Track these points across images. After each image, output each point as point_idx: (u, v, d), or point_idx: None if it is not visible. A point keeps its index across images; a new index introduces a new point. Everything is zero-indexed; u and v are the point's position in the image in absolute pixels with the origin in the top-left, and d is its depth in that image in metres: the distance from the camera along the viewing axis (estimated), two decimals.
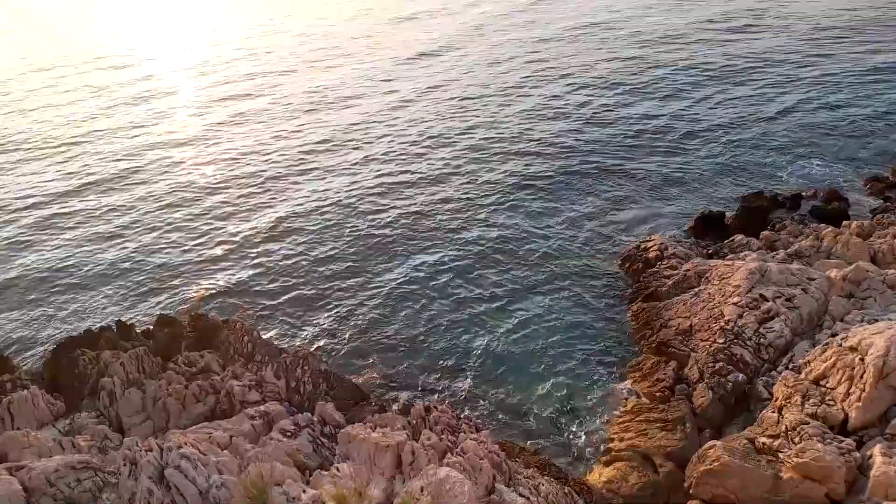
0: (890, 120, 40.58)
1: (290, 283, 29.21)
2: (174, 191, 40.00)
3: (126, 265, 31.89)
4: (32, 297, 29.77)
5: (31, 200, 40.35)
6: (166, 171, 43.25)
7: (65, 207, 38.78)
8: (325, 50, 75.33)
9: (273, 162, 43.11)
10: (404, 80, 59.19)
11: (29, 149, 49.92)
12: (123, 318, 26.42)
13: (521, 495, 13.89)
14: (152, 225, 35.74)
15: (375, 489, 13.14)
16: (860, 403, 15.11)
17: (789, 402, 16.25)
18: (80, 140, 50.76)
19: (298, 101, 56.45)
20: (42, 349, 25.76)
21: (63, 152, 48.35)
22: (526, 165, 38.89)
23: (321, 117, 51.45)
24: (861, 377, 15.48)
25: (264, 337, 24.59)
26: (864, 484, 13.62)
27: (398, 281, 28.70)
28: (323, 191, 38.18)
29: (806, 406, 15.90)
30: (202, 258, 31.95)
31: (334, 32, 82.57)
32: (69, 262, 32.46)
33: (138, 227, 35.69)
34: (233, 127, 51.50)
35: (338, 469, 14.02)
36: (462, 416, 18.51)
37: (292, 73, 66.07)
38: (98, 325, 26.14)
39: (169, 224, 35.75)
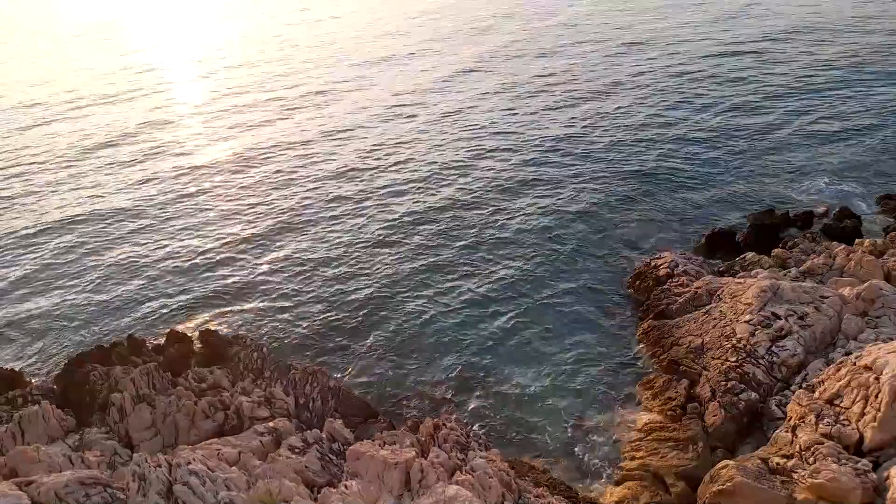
0: None
1: (300, 300, 29.30)
2: (185, 205, 40.30)
3: (137, 280, 32.11)
4: (43, 311, 29.99)
5: (39, 211, 40.73)
6: (177, 182, 43.57)
7: (75, 221, 39.10)
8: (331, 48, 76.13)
9: (283, 180, 43.37)
10: (407, 84, 59.53)
11: (37, 158, 50.47)
12: (134, 334, 26.56)
13: None
14: (163, 240, 36.01)
15: None
16: (875, 423, 14.89)
17: (803, 422, 16.04)
18: (90, 149, 51.27)
19: (312, 105, 56.91)
20: (54, 364, 25.89)
21: (73, 162, 48.85)
22: (533, 180, 38.96)
23: (327, 127, 51.81)
24: (876, 396, 15.28)
25: (274, 353, 24.62)
26: None
27: (406, 296, 28.71)
28: (331, 202, 38.40)
29: (820, 426, 15.68)
30: (213, 274, 32.12)
31: (360, 33, 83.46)
32: (80, 277, 32.72)
33: (149, 241, 35.96)
34: (241, 133, 51.96)
35: (346, 486, 13.97)
36: (471, 433, 18.39)
37: (308, 72, 66.24)
38: (109, 340, 26.28)
39: (180, 239, 36.02)
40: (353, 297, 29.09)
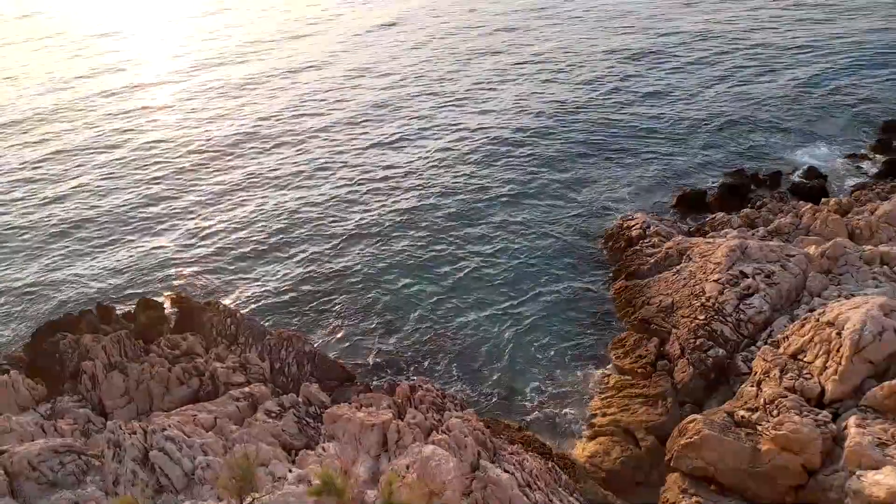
0: (870, 97, 40.97)
1: (274, 266, 29.05)
2: (155, 172, 39.36)
3: (106, 247, 31.47)
4: (11, 281, 29.29)
5: (9, 183, 39.51)
6: (149, 151, 42.52)
7: (44, 191, 38.02)
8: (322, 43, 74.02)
9: (257, 144, 42.49)
10: (393, 69, 58.22)
11: (12, 132, 48.68)
12: (104, 301, 26.14)
13: (505, 471, 14.06)
14: (132, 207, 35.22)
15: (361, 468, 13.24)
16: (836, 376, 15.43)
17: (768, 377, 16.55)
18: (65, 124, 49.55)
19: (295, 85, 55.35)
20: (23, 334, 25.40)
21: (46, 136, 47.22)
22: (505, 148, 38.75)
23: (318, 104, 50.35)
24: (837, 351, 15.80)
25: (248, 318, 24.45)
26: (838, 454, 13.97)
27: (381, 263, 28.64)
28: (307, 174, 37.82)
29: (784, 380, 16.20)
30: (184, 240, 31.61)
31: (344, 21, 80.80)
32: (48, 247, 31.94)
33: (118, 209, 35.15)
34: (215, 101, 50.60)
35: (323, 448, 14.10)
36: (447, 394, 18.62)
37: (275, 51, 64.81)
38: (78, 308, 25.83)
39: (149, 206, 35.28)
40: (327, 263, 28.92)
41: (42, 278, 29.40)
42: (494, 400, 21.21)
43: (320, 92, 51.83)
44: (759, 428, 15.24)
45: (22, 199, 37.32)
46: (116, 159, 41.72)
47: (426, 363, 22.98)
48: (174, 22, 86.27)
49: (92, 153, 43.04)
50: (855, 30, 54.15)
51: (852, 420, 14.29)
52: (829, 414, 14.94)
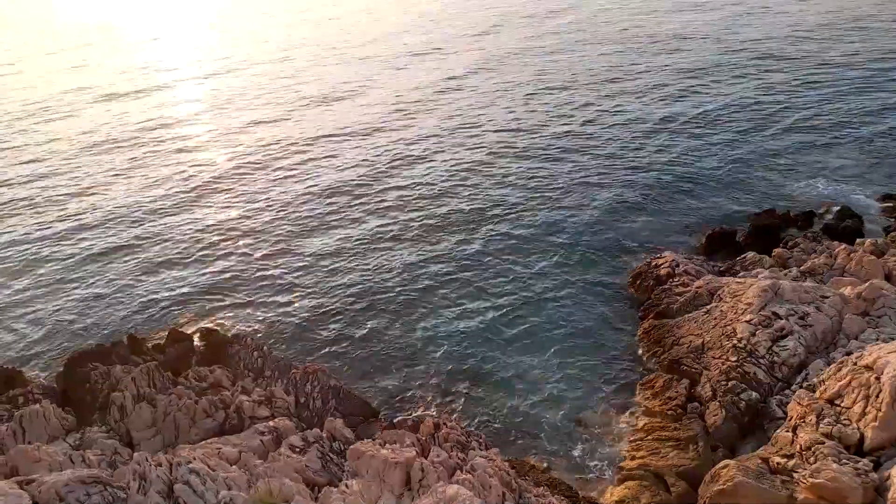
0: None
1: (300, 300, 29.31)
2: (187, 204, 40.30)
3: (138, 279, 32.12)
4: (45, 311, 30.01)
5: (39, 210, 40.75)
6: (179, 182, 43.59)
7: (76, 220, 39.11)
8: (338, 45, 76.07)
9: (281, 178, 43.33)
10: (406, 84, 59.34)
11: (38, 154, 50.49)
12: (135, 333, 26.57)
13: None
14: (164, 239, 36.02)
15: None
16: (876, 423, 14.87)
17: (804, 422, 16.03)
18: (90, 146, 51.31)
19: (308, 99, 56.82)
20: (54, 363, 25.90)
21: (72, 159, 48.87)
22: (534, 177, 38.98)
23: (323, 127, 51.67)
24: (877, 396, 15.26)
25: (274, 352, 24.62)
26: None
27: (407, 295, 28.71)
28: (329, 203, 38.40)
29: (821, 425, 15.67)
30: (213, 273, 32.13)
31: (347, 27, 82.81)
32: (80, 276, 32.74)
33: (149, 240, 35.97)
34: (241, 136, 51.95)
35: (347, 486, 13.96)
36: (471, 432, 18.39)
37: (305, 71, 66.46)
38: (110, 339, 26.29)
39: (180, 239, 36.02)
40: (353, 296, 29.09)
41: (74, 307, 30.06)
42: (520, 440, 20.85)
43: (334, 110, 52.83)
44: (796, 475, 14.69)
45: (53, 226, 38.34)
46: (150, 189, 42.84)
47: (450, 400, 22.76)
48: (188, 31, 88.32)
49: (124, 182, 44.25)
50: (888, 67, 53.66)
51: (895, 470, 13.72)
52: (869, 462, 14.36)
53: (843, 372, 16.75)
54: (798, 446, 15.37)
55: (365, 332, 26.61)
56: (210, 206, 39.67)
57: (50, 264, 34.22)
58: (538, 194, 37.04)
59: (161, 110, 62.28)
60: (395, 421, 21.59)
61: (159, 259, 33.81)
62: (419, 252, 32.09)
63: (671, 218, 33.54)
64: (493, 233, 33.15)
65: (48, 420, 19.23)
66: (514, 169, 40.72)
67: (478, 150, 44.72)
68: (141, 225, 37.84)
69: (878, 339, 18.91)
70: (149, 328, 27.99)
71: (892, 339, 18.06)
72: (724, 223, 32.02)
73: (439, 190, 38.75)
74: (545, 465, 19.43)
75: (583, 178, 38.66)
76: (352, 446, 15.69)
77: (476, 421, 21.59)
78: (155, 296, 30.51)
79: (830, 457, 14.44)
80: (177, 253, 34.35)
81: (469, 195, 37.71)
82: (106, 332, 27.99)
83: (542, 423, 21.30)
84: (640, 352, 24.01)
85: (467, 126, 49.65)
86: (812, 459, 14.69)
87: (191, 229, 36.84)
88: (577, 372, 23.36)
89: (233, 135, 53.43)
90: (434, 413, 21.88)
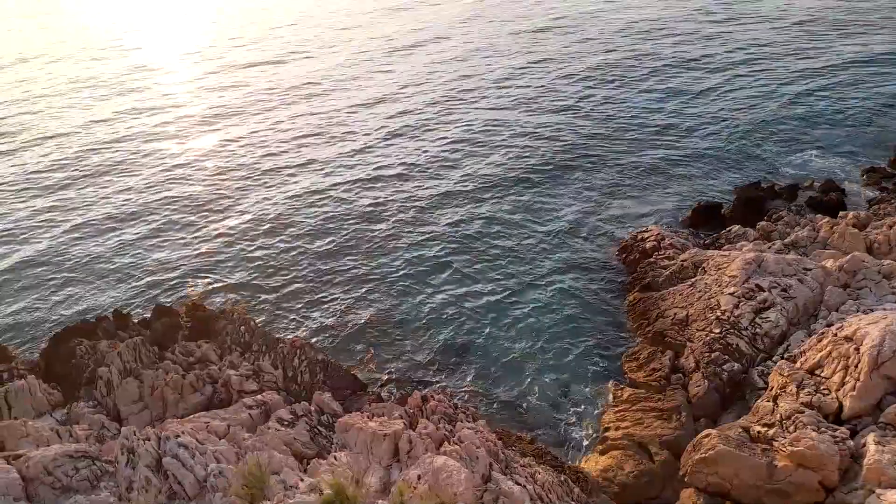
0: (887, 111, 40.56)
1: (288, 274, 29.21)
2: (171, 181, 39.86)
3: (123, 255, 31.84)
4: (29, 287, 29.73)
5: (26, 190, 40.18)
6: (163, 162, 43.09)
7: (61, 198, 38.62)
8: (317, 38, 74.90)
9: (269, 154, 42.96)
10: (399, 69, 58.87)
11: (25, 139, 49.60)
12: (120, 308, 26.40)
13: (517, 483, 13.96)
14: (149, 215, 35.65)
15: (372, 477, 13.21)
16: (854, 392, 15.20)
17: (784, 392, 16.35)
18: (76, 130, 50.48)
19: (293, 90, 56.14)
20: (39, 339, 25.72)
21: (58, 143, 48.07)
22: (522, 157, 38.82)
23: (315, 106, 51.19)
24: (856, 367, 15.57)
25: (261, 327, 24.59)
26: (857, 472, 13.74)
27: (395, 272, 28.72)
28: (320, 183, 38.10)
29: (801, 395, 15.99)
30: (199, 248, 31.91)
31: (327, 22, 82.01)
32: (66, 253, 32.40)
33: (135, 217, 35.60)
34: (228, 118, 51.25)
35: (335, 458, 14.10)
36: (459, 405, 18.58)
37: (287, 62, 65.65)
38: (95, 315, 26.11)
39: (166, 214, 35.67)
40: (341, 272, 29.04)
41: (59, 284, 29.78)
42: (506, 411, 21.11)
43: (334, 107, 52.23)
44: (776, 444, 15.03)
45: (40, 207, 37.85)
46: (133, 167, 42.27)
47: (438, 374, 22.94)
48: (183, 32, 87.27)
49: (108, 161, 43.63)
50: (874, 42, 53.74)
51: (871, 437, 14.06)
52: (847, 431, 14.71)
53: (823, 343, 17.04)
54: (778, 415, 15.69)
55: (353, 307, 26.63)
56: (195, 185, 39.21)
57: (33, 242, 33.79)
58: (525, 175, 36.88)
59: (150, 95, 61.12)
60: (382, 394, 21.74)
61: (144, 236, 33.48)
62: (406, 230, 32.00)
63: (657, 191, 33.64)
64: (481, 215, 33.04)
65: (34, 395, 19.16)
66: (500, 149, 40.46)
67: (465, 132, 44.44)
68: (126, 204, 37.35)
69: (858, 311, 19.22)
70: (134, 304, 27.81)
71: (872, 311, 18.36)
72: (709, 196, 32.20)
73: (425, 172, 38.50)
74: (531, 435, 19.70)
75: (569, 157, 38.52)
76: (340, 419, 15.81)
77: (464, 394, 21.81)
78: (141, 272, 30.27)
79: (809, 425, 14.77)
80: (163, 230, 34.00)
81: (455, 176, 37.48)
82: (91, 307, 27.79)
83: (529, 395, 21.56)
84: (625, 324, 24.26)
85: (453, 108, 49.20)
86: (791, 428, 15.01)
87: (175, 207, 36.44)
88: (564, 344, 23.59)
89: (225, 120, 52.61)
90: (422, 386, 22.05)
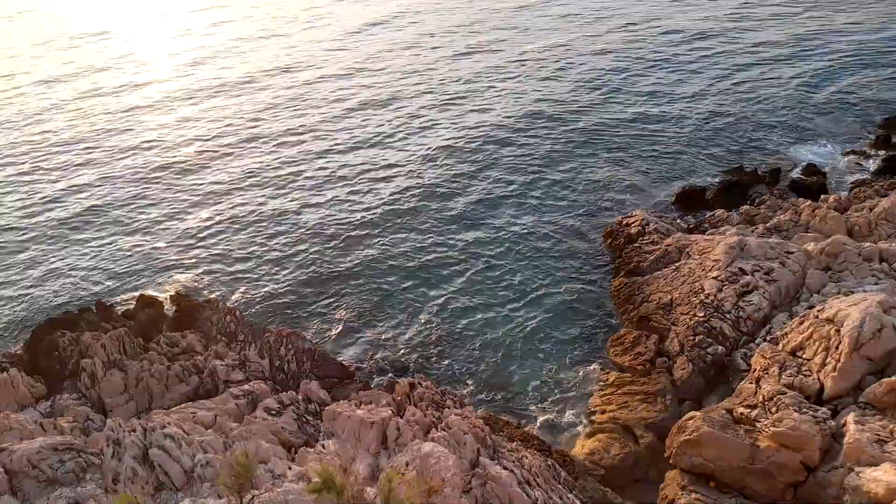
0: (870, 94, 40.96)
1: (274, 266, 29.00)
2: (154, 170, 39.27)
3: (105, 246, 31.41)
4: (10, 279, 29.27)
5: (5, 181, 39.43)
6: (146, 150, 42.40)
7: (41, 188, 37.95)
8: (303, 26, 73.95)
9: (256, 142, 42.40)
10: (392, 66, 58.16)
11: (6, 129, 48.61)
12: (103, 300, 26.12)
13: (504, 468, 14.07)
14: (131, 205, 35.16)
15: (361, 465, 13.24)
16: (835, 373, 15.46)
17: (767, 373, 16.57)
18: (56, 115, 49.51)
19: (279, 77, 55.42)
20: (22, 331, 25.37)
21: (37, 130, 47.14)
22: (507, 146, 38.68)
23: (316, 102, 50.26)
24: (836, 348, 15.82)
25: (247, 316, 24.45)
26: (837, 451, 14.00)
27: (381, 260, 28.62)
28: (307, 173, 37.73)
29: (783, 377, 16.22)
30: (183, 239, 31.56)
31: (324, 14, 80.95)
32: (47, 245, 31.88)
33: (116, 206, 35.09)
34: (213, 100, 50.51)
35: (323, 446, 14.12)
36: (446, 391, 18.64)
37: (272, 48, 64.76)
38: (78, 306, 25.81)
39: (148, 204, 35.21)
40: (328, 263, 28.87)
41: (41, 277, 29.35)
42: (494, 397, 21.23)
43: (318, 90, 51.63)
44: (758, 425, 15.26)
45: (20, 198, 37.21)
46: (115, 158, 41.58)
47: (425, 361, 22.99)
48: (165, 18, 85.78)
49: (89, 152, 42.88)
50: (855, 27, 54.13)
51: (851, 417, 14.32)
52: (828, 411, 14.97)
53: (805, 325, 17.29)
54: (761, 397, 15.92)
55: (340, 298, 26.52)
56: (180, 174, 38.65)
57: (15, 234, 33.21)
58: (509, 159, 36.83)
59: (135, 88, 60.09)
60: (370, 382, 21.75)
61: (128, 229, 32.99)
62: (391, 217, 31.86)
63: (642, 177, 33.77)
64: (465, 200, 32.99)
65: (16, 388, 18.96)
66: (484, 140, 40.15)
67: (455, 120, 44.18)
68: (108, 196, 36.74)
69: (839, 293, 19.48)
70: (118, 295, 27.49)
71: (853, 293, 18.63)
72: (693, 181, 32.39)
73: (407, 167, 38.12)
74: (518, 421, 19.85)
75: (554, 143, 38.46)
76: (327, 407, 15.82)
77: (451, 381, 21.88)
78: (124, 265, 29.89)
79: (791, 406, 15.00)
80: (146, 221, 33.57)
81: (438, 168, 37.14)
82: (73, 299, 27.43)
83: (515, 381, 21.69)
84: (611, 309, 24.43)
85: (446, 101, 48.88)
86: (774, 409, 15.24)
87: (158, 197, 35.98)
88: (550, 330, 23.72)
89: (201, 102, 51.86)
90: (409, 373, 22.09)
